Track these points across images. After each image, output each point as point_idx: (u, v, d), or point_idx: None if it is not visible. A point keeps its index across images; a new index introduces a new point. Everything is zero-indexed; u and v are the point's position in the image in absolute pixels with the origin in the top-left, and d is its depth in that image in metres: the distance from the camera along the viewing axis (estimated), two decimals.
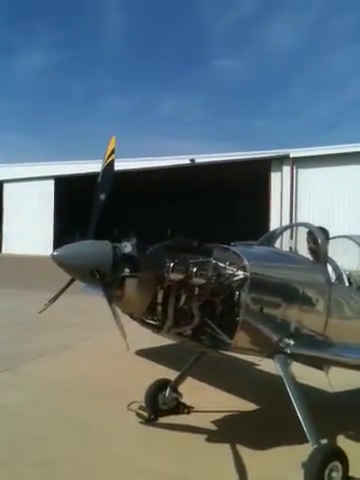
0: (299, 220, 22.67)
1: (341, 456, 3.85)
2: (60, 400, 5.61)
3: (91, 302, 5.88)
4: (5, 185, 33.41)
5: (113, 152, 3.96)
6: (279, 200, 25.34)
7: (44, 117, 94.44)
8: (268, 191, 25.80)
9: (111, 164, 3.96)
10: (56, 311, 4.86)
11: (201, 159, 27.44)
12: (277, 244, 5.38)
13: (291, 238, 5.67)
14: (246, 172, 24.64)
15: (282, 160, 25.54)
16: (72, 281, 3.88)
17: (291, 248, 5.35)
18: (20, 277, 18.64)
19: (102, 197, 3.84)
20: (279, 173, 25.73)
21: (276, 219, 24.52)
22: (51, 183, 31.20)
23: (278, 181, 25.63)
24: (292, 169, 25.37)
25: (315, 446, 3.78)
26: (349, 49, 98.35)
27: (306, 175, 25.17)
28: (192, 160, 27.42)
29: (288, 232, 5.82)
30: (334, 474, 3.72)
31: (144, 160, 28.65)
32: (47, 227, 30.05)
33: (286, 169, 25.53)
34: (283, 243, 5.43)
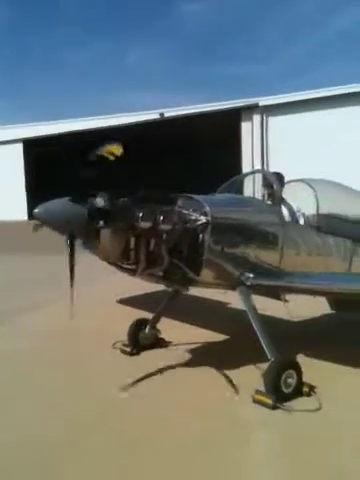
0: (272, 169, 23.06)
1: (295, 365, 4.56)
2: (54, 344, 6.29)
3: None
4: None
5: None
6: (250, 150, 25.64)
7: (4, 77, 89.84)
8: (239, 141, 25.99)
9: None
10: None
11: (170, 113, 27.27)
12: (248, 193, 5.93)
13: (253, 184, 6.22)
14: (217, 123, 24.65)
15: (252, 109, 25.61)
16: (72, 257, 4.21)
17: (264, 196, 5.81)
18: None
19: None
20: (250, 122, 25.84)
21: (248, 169, 24.86)
22: (19, 146, 30.58)
23: (249, 131, 25.80)
24: (262, 118, 25.53)
25: (272, 359, 4.49)
26: None
27: (276, 123, 25.33)
28: (161, 114, 27.22)
29: (250, 179, 6.34)
30: (290, 380, 4.44)
31: (111, 117, 28.28)
32: (19, 192, 29.64)
33: (256, 118, 25.64)
34: (254, 191, 6.01)
